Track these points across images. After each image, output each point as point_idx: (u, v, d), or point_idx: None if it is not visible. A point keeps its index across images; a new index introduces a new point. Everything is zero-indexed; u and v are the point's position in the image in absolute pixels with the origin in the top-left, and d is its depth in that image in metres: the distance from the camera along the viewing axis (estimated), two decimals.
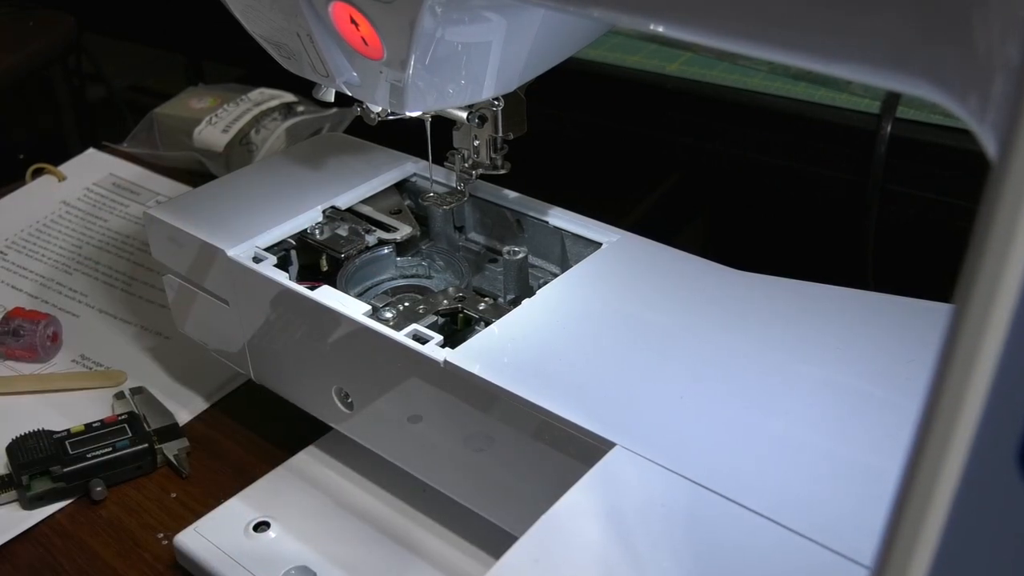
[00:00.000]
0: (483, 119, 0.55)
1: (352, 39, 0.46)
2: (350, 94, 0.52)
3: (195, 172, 0.96)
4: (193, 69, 1.49)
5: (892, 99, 0.79)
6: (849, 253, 0.83)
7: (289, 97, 0.97)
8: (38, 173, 0.97)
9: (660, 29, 0.32)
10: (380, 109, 0.56)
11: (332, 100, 0.56)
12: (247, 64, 1.28)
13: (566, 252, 0.61)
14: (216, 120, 0.93)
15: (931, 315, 0.52)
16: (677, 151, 0.91)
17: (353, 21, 0.45)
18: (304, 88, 1.00)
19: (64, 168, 0.98)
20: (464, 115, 0.55)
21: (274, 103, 0.95)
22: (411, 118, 0.57)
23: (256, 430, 0.68)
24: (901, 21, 0.27)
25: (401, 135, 0.69)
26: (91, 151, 1.00)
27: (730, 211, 0.94)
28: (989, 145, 0.24)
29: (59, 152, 1.03)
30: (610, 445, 0.45)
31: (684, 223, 0.98)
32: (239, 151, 0.92)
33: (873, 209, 0.79)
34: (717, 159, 0.88)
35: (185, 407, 0.70)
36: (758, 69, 0.87)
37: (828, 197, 0.83)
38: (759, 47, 0.32)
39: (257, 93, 0.97)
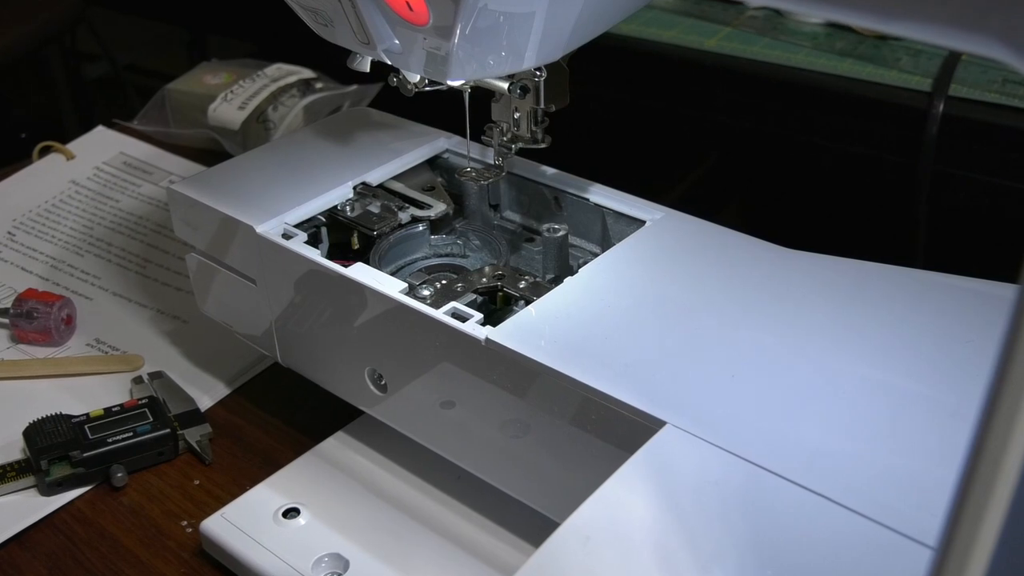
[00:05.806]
0: (525, 90, 0.56)
1: (396, 4, 0.48)
2: (390, 62, 0.54)
3: (209, 151, 0.98)
4: (197, 46, 1.51)
5: (945, 76, 0.80)
6: (898, 238, 0.84)
7: (308, 73, 0.99)
8: (45, 152, 0.99)
9: None
10: (418, 79, 0.57)
11: (367, 70, 0.57)
12: (256, 40, 1.30)
13: (607, 230, 0.62)
14: (232, 96, 0.95)
15: (986, 295, 0.53)
16: (715, 130, 0.92)
17: None
18: (322, 64, 1.03)
19: (72, 146, 1.00)
20: (505, 86, 0.57)
21: (292, 79, 0.97)
22: (449, 89, 0.58)
23: (280, 416, 0.70)
24: None
25: (430, 111, 0.70)
26: (100, 129, 1.02)
27: (770, 193, 0.95)
28: None
29: (56, 132, 1.05)
30: (660, 424, 0.46)
31: (721, 205, 0.99)
32: (256, 129, 0.94)
33: (923, 192, 0.79)
34: (757, 138, 0.89)
35: (206, 393, 0.71)
36: (801, 45, 0.88)
37: (876, 179, 0.84)
38: (822, 5, 0.34)
39: (274, 69, 0.99)
